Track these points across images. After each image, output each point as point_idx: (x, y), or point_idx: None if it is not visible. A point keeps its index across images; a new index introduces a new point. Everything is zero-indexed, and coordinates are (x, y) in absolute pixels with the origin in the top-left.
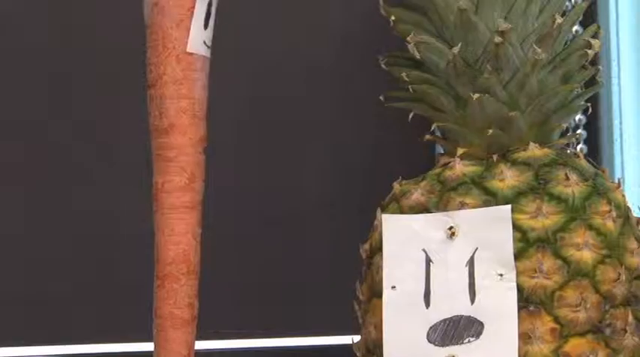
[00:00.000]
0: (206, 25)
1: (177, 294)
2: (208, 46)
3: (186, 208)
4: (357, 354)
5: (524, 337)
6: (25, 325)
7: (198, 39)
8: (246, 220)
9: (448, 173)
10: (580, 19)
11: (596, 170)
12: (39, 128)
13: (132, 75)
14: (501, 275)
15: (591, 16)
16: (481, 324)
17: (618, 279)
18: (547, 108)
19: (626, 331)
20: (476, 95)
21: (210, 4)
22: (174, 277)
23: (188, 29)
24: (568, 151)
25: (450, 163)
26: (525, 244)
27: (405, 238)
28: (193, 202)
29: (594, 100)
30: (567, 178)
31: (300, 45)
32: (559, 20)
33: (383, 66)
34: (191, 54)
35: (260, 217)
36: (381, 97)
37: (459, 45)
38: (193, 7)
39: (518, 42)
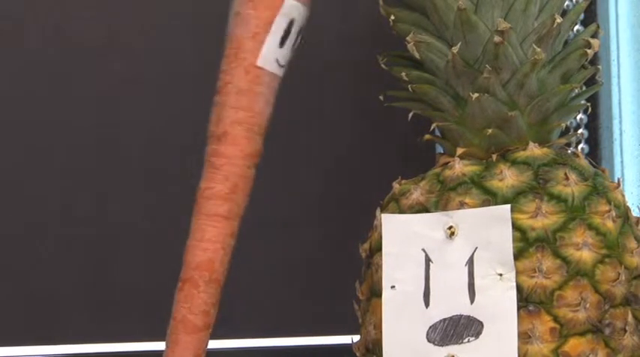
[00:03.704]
0: (282, 44)
1: (193, 299)
2: (281, 65)
3: (221, 218)
4: (357, 354)
5: (524, 337)
6: (25, 325)
7: (270, 54)
8: (246, 220)
9: (448, 173)
10: (580, 18)
11: (596, 170)
12: (39, 128)
13: (138, 75)
14: (501, 275)
15: (591, 16)
16: (481, 324)
17: (618, 279)
18: (547, 108)
19: (625, 331)
20: (475, 95)
21: (291, 24)
22: (194, 282)
23: (262, 42)
24: (568, 151)
25: (449, 162)
26: (525, 243)
27: (404, 237)
28: (231, 212)
29: (594, 100)
30: (567, 178)
31: (300, 44)
32: (559, 20)
33: (383, 66)
34: (260, 68)
35: (260, 217)
36: (381, 97)
37: (459, 45)
38: (272, 22)
39: (518, 42)
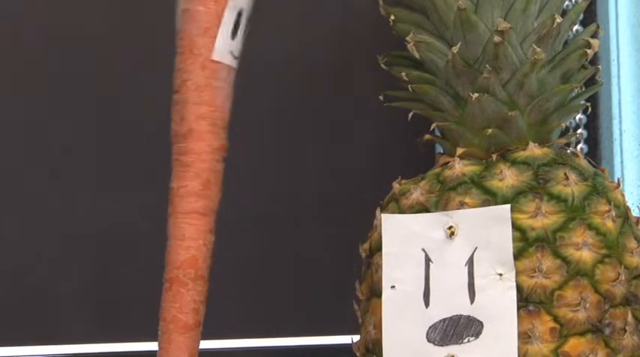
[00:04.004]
0: (234, 35)
1: (183, 298)
2: (235, 57)
3: (198, 214)
4: (357, 354)
5: (524, 337)
6: (25, 325)
7: (224, 48)
8: (247, 220)
9: (448, 173)
10: (580, 18)
11: (596, 170)
12: (39, 128)
13: (132, 77)
14: (501, 275)
15: (591, 16)
16: (480, 323)
17: (617, 278)
18: (546, 107)
19: (625, 331)
20: (475, 95)
21: (240, 15)
22: (181, 281)
23: (214, 36)
24: (567, 151)
25: (449, 162)
26: (525, 243)
27: (404, 237)
28: (206, 208)
29: (594, 100)
30: (567, 178)
31: (300, 44)
32: (558, 20)
33: (383, 66)
34: (216, 62)
35: (260, 217)
36: (381, 97)
37: (459, 44)
38: (222, 16)
39: (518, 41)
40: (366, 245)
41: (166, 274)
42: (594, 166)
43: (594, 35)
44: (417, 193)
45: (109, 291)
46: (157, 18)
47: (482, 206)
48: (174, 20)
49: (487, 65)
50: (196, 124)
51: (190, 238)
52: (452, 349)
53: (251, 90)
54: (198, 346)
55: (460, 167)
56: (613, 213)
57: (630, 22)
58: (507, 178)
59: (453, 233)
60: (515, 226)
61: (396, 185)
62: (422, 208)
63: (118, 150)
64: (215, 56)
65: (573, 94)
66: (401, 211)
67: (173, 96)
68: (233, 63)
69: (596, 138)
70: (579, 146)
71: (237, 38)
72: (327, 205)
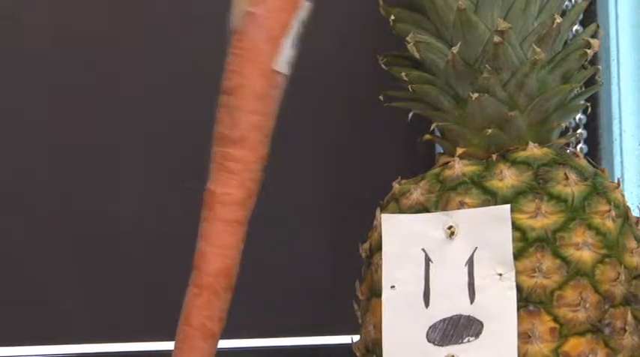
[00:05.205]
0: (293, 44)
1: (213, 307)
2: (290, 65)
3: (238, 224)
4: (357, 354)
5: (524, 337)
6: (25, 325)
7: (284, 57)
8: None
9: (448, 173)
10: (580, 18)
11: (596, 170)
12: (39, 128)
13: (138, 75)
14: (501, 275)
15: (591, 16)
16: (480, 323)
17: (617, 278)
18: (546, 108)
19: (625, 331)
20: (475, 95)
21: (301, 24)
22: (214, 289)
23: (278, 46)
24: (567, 151)
25: (449, 162)
26: (525, 243)
27: (404, 237)
28: (245, 218)
29: (594, 100)
30: (567, 178)
31: (299, 44)
32: (558, 20)
33: (383, 66)
34: (276, 72)
35: (260, 217)
36: (381, 97)
37: (459, 45)
38: (289, 25)
39: (518, 42)
40: (366, 245)
41: (196, 280)
42: (594, 166)
43: (594, 35)
44: (417, 193)
45: (109, 291)
46: (158, 18)
47: (482, 206)
48: (176, 20)
49: (487, 65)
50: (249, 133)
51: (228, 247)
52: (452, 349)
53: None
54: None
55: (460, 167)
56: (613, 213)
57: (630, 22)
58: (507, 178)
59: (453, 233)
60: (515, 226)
61: (396, 185)
62: (422, 208)
63: (119, 149)
64: (277, 66)
65: (573, 94)
66: (401, 211)
67: (221, 95)
68: (288, 71)
69: (596, 138)
70: (579, 146)
71: (294, 47)
72: (327, 205)
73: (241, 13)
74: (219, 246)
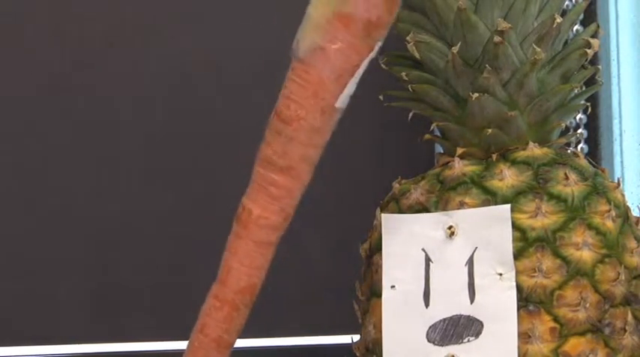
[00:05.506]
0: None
1: (233, 322)
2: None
3: (270, 246)
4: (357, 354)
5: (524, 337)
6: (25, 325)
7: (347, 94)
8: None
9: (447, 173)
10: (580, 18)
11: (596, 170)
12: (39, 128)
13: (138, 75)
14: (501, 275)
15: (591, 16)
16: (481, 323)
17: (618, 278)
18: (546, 107)
19: (625, 331)
20: (475, 95)
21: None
22: (236, 305)
23: (344, 85)
24: (567, 151)
25: (449, 162)
26: (525, 243)
27: (404, 237)
28: (278, 238)
29: (594, 100)
30: (567, 178)
31: None
32: (558, 20)
33: (383, 65)
34: (337, 108)
35: None
36: (381, 97)
37: (459, 44)
38: (358, 67)
39: (518, 41)
40: (366, 245)
41: (219, 293)
42: (594, 166)
43: (594, 35)
44: (417, 193)
45: (109, 291)
46: (158, 17)
47: (482, 206)
48: (176, 20)
49: (487, 65)
50: (298, 164)
51: (257, 268)
52: (452, 348)
53: (251, 90)
54: None
55: (460, 167)
56: (613, 213)
57: (630, 22)
58: (507, 178)
59: (453, 233)
60: (515, 226)
61: (396, 185)
62: (422, 208)
63: (119, 149)
64: (338, 104)
65: (573, 94)
66: (401, 211)
67: (275, 119)
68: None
69: (596, 138)
70: (579, 146)
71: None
72: (327, 205)
73: (311, 45)
74: (248, 266)
